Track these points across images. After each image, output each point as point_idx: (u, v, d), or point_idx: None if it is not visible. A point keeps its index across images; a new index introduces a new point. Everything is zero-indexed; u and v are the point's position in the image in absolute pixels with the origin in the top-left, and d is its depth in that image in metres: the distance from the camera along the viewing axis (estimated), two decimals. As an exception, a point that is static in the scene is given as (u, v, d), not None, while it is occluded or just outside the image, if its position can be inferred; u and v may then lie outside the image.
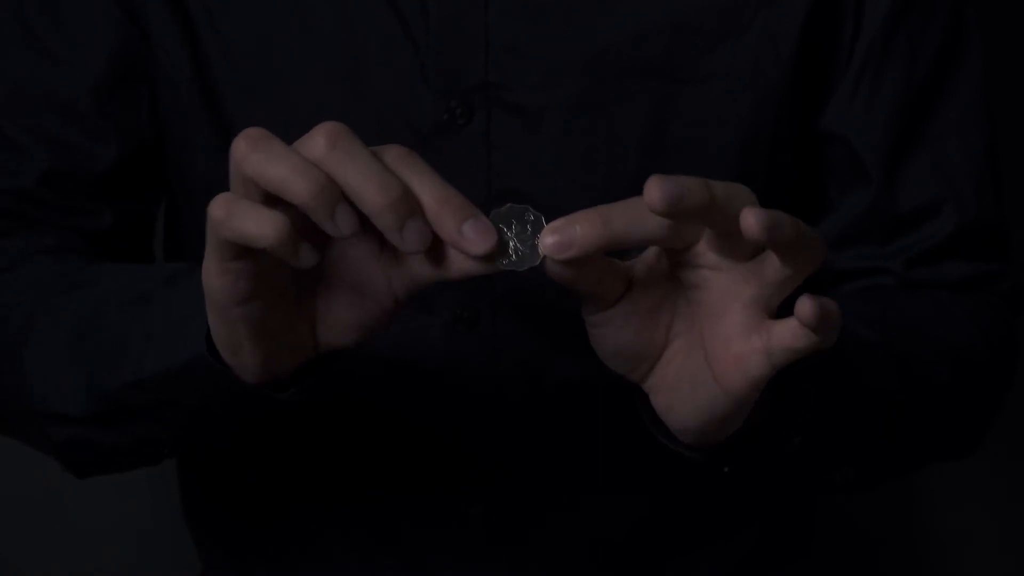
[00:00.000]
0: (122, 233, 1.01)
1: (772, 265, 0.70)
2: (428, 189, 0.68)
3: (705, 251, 0.71)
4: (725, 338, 0.72)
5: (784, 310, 0.72)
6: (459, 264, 0.70)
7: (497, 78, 0.93)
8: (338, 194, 0.67)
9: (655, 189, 0.66)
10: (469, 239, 0.69)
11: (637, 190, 0.93)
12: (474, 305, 0.95)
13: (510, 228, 0.71)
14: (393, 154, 0.69)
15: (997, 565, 1.53)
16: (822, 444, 0.82)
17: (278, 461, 1.01)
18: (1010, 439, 1.45)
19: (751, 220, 0.66)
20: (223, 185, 0.96)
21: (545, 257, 0.70)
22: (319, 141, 0.67)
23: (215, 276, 0.70)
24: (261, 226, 0.67)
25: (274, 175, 0.67)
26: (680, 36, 0.94)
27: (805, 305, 0.68)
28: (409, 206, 0.68)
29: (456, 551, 1.00)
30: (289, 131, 0.94)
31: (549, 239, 0.69)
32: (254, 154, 0.67)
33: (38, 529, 1.45)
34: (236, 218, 0.67)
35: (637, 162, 0.94)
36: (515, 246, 0.71)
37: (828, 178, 1.00)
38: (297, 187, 0.67)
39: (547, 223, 0.70)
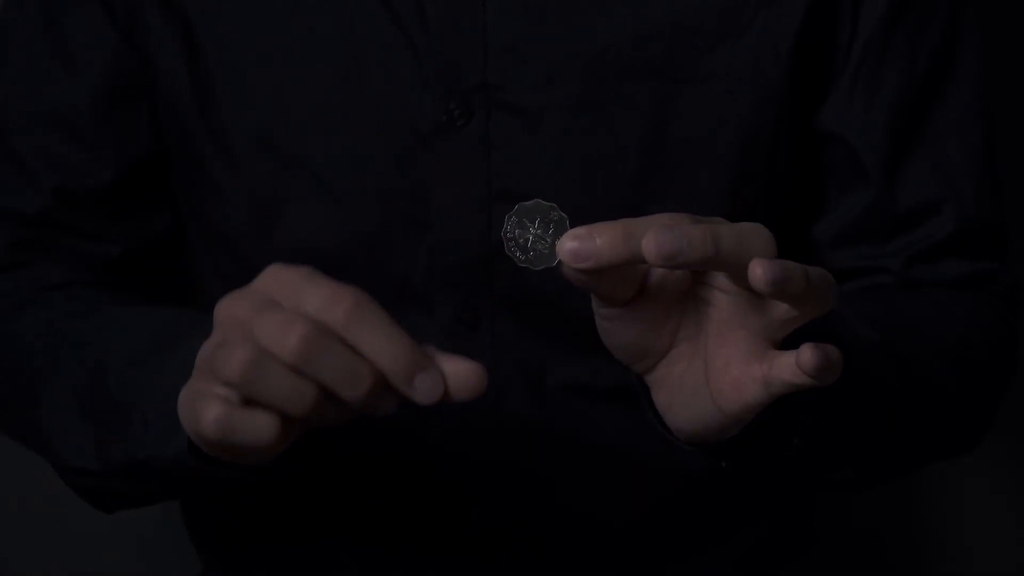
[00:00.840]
0: (132, 261, 1.01)
1: (780, 305, 0.72)
2: (379, 351, 0.68)
3: (719, 273, 0.72)
4: (726, 359, 0.73)
5: (791, 339, 0.73)
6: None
7: (496, 79, 0.93)
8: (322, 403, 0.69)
9: (651, 243, 0.68)
10: (420, 392, 0.69)
11: (637, 190, 0.94)
12: (474, 306, 0.95)
13: (533, 224, 0.72)
14: (343, 311, 0.68)
15: (997, 565, 1.52)
16: (822, 445, 0.83)
17: (276, 462, 1.01)
18: (1010, 439, 1.45)
19: (759, 273, 0.68)
20: (225, 193, 0.97)
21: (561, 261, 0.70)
22: (292, 342, 0.68)
23: (206, 448, 0.73)
24: (259, 436, 0.69)
25: (270, 399, 0.69)
26: (680, 36, 0.94)
27: (806, 355, 0.70)
28: (378, 389, 0.69)
29: (455, 552, 1.00)
30: (288, 133, 0.94)
31: (568, 245, 0.70)
32: (251, 377, 0.68)
33: (38, 531, 1.45)
34: (235, 435, 0.70)
35: (637, 162, 0.94)
36: (534, 244, 0.72)
37: (827, 178, 1.00)
38: (293, 410, 0.69)
39: (570, 225, 0.71)
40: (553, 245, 0.71)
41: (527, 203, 0.72)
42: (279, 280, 0.70)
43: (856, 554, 1.50)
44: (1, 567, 1.45)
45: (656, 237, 0.68)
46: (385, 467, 0.99)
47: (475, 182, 0.93)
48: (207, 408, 0.70)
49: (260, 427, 0.69)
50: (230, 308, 0.71)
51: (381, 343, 0.68)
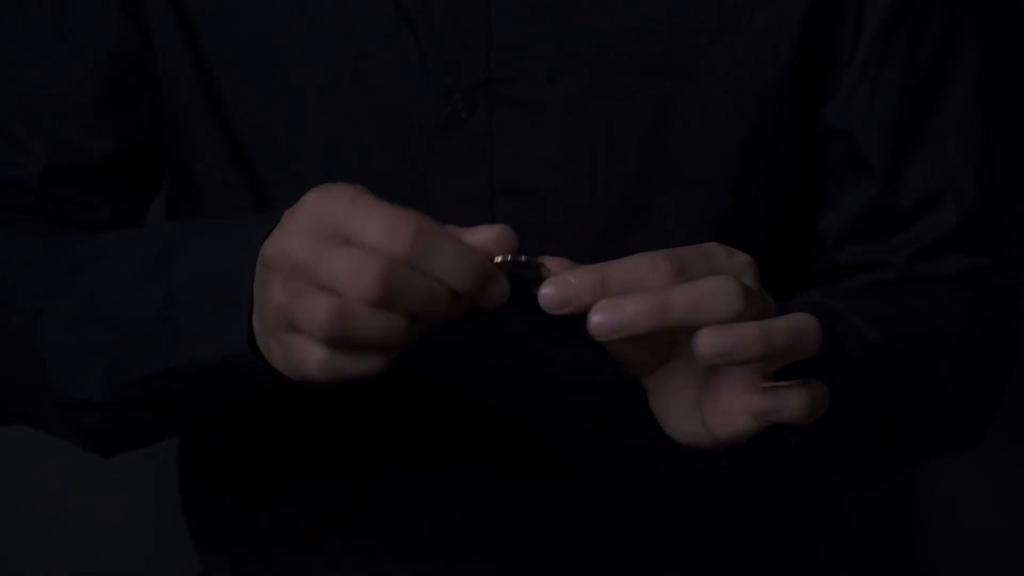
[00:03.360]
0: (116, 224, 1.01)
1: None
2: (450, 276, 0.70)
3: None
4: (718, 387, 0.74)
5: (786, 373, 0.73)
6: None
7: (499, 74, 0.93)
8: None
9: (596, 319, 0.70)
10: (489, 301, 0.72)
11: (639, 186, 0.95)
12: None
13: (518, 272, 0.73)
14: (407, 243, 0.69)
15: (997, 565, 1.52)
16: (821, 445, 0.83)
17: (279, 460, 1.01)
18: (1010, 439, 1.46)
19: (701, 350, 0.69)
20: (225, 182, 0.97)
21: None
22: (369, 286, 0.68)
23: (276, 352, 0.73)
24: (369, 369, 0.71)
25: (365, 341, 0.69)
26: (679, 34, 0.94)
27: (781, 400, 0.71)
28: (486, 277, 0.70)
29: (455, 547, 1.00)
30: (290, 128, 0.94)
31: (546, 291, 0.71)
32: (341, 328, 0.69)
33: (38, 530, 1.45)
34: (344, 375, 0.70)
35: (638, 158, 0.94)
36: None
37: (830, 173, 1.00)
38: (390, 345, 0.70)
39: (547, 263, 0.72)
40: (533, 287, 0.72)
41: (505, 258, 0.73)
42: (326, 208, 0.70)
43: (856, 554, 1.50)
44: (1, 567, 1.45)
45: (598, 318, 0.70)
46: (386, 462, 0.99)
47: (478, 177, 0.94)
48: (308, 357, 0.70)
49: (367, 362, 0.70)
50: (282, 248, 0.70)
51: (450, 268, 0.70)
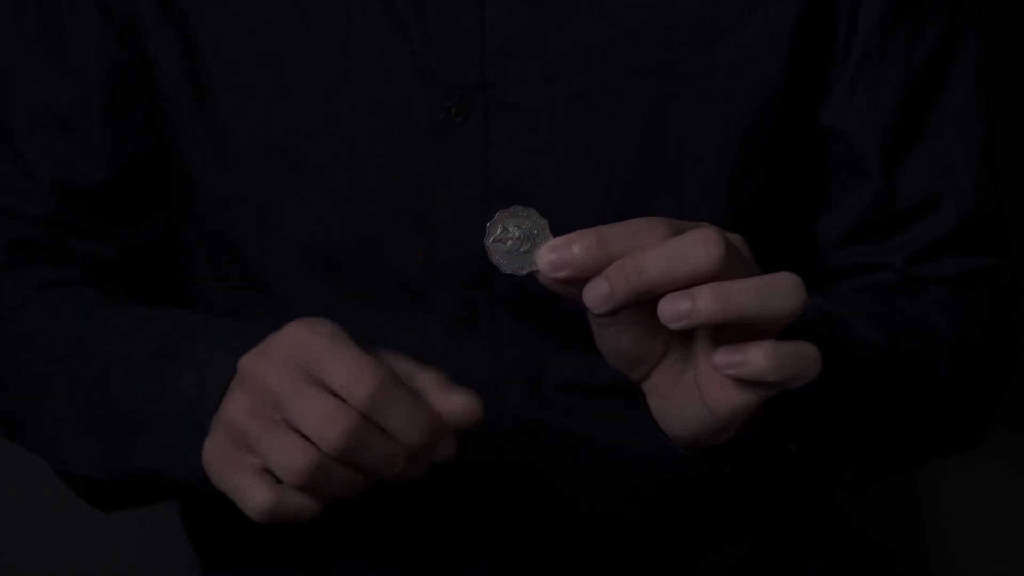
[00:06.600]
0: (127, 264, 1.02)
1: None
2: (402, 432, 0.74)
3: None
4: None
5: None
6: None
7: (494, 76, 0.93)
8: None
9: (547, 256, 0.71)
10: (439, 457, 0.76)
11: (637, 185, 0.95)
12: (473, 304, 0.95)
13: (514, 230, 0.72)
14: (366, 392, 0.73)
15: (997, 565, 1.52)
16: (822, 447, 0.82)
17: None
18: (1011, 438, 1.45)
19: (660, 312, 0.70)
20: (223, 191, 0.97)
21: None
22: (335, 438, 0.73)
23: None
24: (307, 515, 0.75)
25: (328, 494, 0.75)
26: (678, 33, 0.94)
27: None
28: (438, 436, 0.75)
29: (454, 552, 1.00)
30: (287, 131, 0.94)
31: (546, 256, 0.71)
32: (315, 479, 0.74)
33: (39, 532, 1.45)
34: (282, 519, 0.75)
35: (636, 158, 0.94)
36: (516, 249, 0.73)
37: (828, 175, 1.00)
38: (345, 497, 0.76)
39: (550, 227, 0.72)
40: (535, 249, 0.72)
41: (505, 210, 0.74)
42: (303, 344, 0.74)
43: (856, 554, 1.50)
44: (1, 567, 1.45)
45: (589, 293, 0.71)
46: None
47: (474, 180, 0.93)
48: (256, 493, 0.74)
49: (309, 508, 0.74)
50: (256, 368, 0.74)
51: (403, 424, 0.73)
